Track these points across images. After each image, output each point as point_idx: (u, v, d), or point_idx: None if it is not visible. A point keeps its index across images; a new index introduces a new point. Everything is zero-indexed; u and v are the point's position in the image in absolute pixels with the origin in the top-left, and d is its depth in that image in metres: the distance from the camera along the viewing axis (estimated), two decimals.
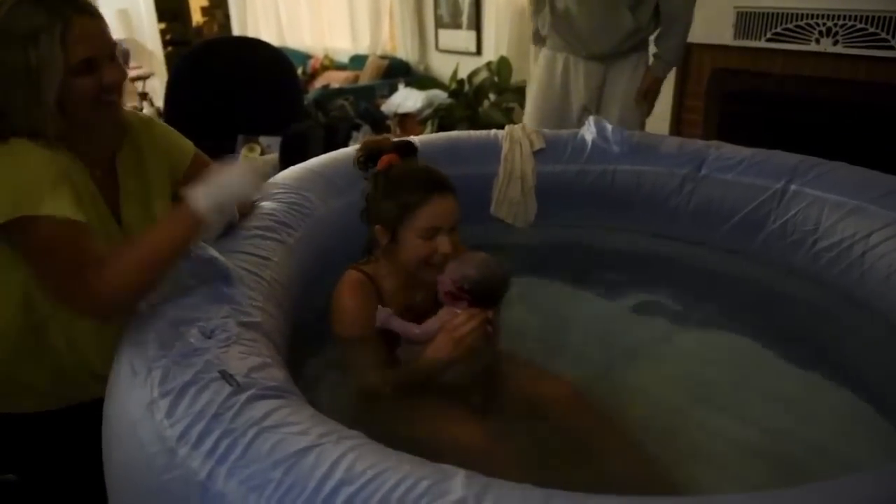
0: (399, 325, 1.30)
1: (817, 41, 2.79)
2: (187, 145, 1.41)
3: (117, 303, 1.07)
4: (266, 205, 1.47)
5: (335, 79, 5.56)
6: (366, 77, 5.41)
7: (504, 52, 4.46)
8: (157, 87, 6.26)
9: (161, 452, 0.83)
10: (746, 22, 2.98)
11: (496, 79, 4.43)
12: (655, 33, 2.51)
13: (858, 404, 1.37)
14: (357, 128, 4.28)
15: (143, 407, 0.89)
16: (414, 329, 1.29)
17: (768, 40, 2.93)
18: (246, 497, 0.76)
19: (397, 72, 5.28)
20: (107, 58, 1.14)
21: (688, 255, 1.91)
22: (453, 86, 4.67)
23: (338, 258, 1.44)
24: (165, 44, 7.33)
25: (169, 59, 6.94)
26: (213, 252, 1.16)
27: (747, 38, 2.99)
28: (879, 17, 2.60)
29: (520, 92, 3.85)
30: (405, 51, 5.40)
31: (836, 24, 2.72)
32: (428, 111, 4.52)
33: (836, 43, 2.73)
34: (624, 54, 2.50)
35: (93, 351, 1.20)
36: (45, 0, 1.07)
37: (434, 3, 5.04)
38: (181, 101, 3.02)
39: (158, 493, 0.83)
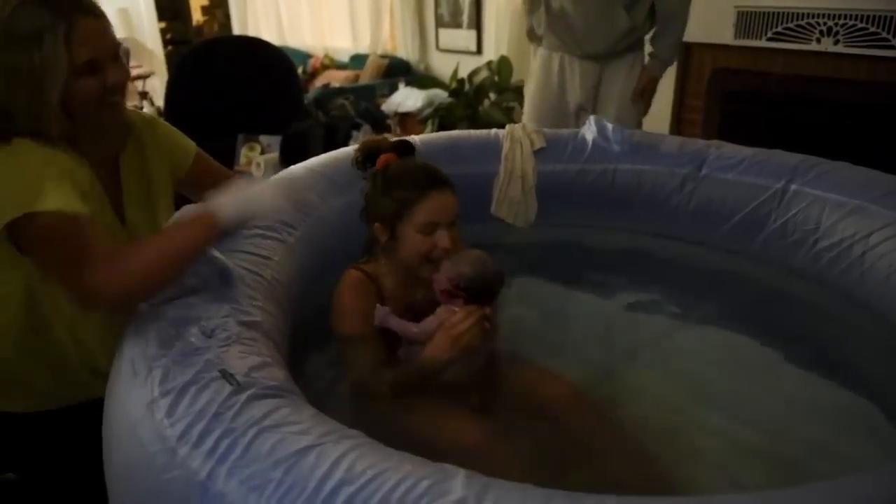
0: (397, 323, 1.30)
1: (818, 41, 2.78)
2: (189, 144, 1.41)
3: (128, 296, 1.06)
4: None
5: (335, 78, 5.56)
6: (366, 76, 5.40)
7: (504, 52, 4.46)
8: (157, 87, 6.26)
9: (161, 452, 0.83)
10: (747, 21, 2.97)
11: (496, 78, 4.43)
12: (651, 32, 2.51)
13: (858, 404, 1.37)
14: (357, 127, 4.27)
15: (143, 406, 0.89)
16: (412, 328, 1.29)
17: (769, 40, 2.93)
18: (246, 497, 0.76)
19: (398, 71, 5.28)
20: (110, 58, 1.14)
21: (688, 255, 1.91)
22: (454, 85, 4.67)
23: (338, 257, 1.44)
24: (166, 43, 7.32)
25: (169, 58, 6.93)
26: (214, 251, 1.16)
27: (748, 38, 2.99)
28: (880, 17, 2.60)
29: (520, 91, 3.84)
30: (405, 50, 5.40)
31: (836, 24, 2.72)
32: (428, 110, 4.52)
33: (836, 42, 2.73)
34: (620, 54, 2.50)
35: (98, 347, 1.20)
36: (49, 0, 1.07)
37: (434, 2, 5.04)
38: (181, 100, 3.02)
39: (158, 493, 0.83)
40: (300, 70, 4.95)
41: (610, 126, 1.94)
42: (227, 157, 2.92)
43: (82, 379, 1.22)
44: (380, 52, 5.63)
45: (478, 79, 4.52)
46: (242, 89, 3.02)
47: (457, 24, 4.91)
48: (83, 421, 1.09)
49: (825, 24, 2.75)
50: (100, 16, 1.13)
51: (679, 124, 3.44)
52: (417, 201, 1.28)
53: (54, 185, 1.05)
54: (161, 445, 0.84)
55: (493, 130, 2.01)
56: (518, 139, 1.95)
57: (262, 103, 3.06)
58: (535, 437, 1.25)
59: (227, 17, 7.49)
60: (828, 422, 1.33)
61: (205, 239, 1.11)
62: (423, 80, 5.00)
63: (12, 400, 1.22)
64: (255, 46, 3.28)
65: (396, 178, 1.33)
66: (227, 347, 0.98)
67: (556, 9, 2.45)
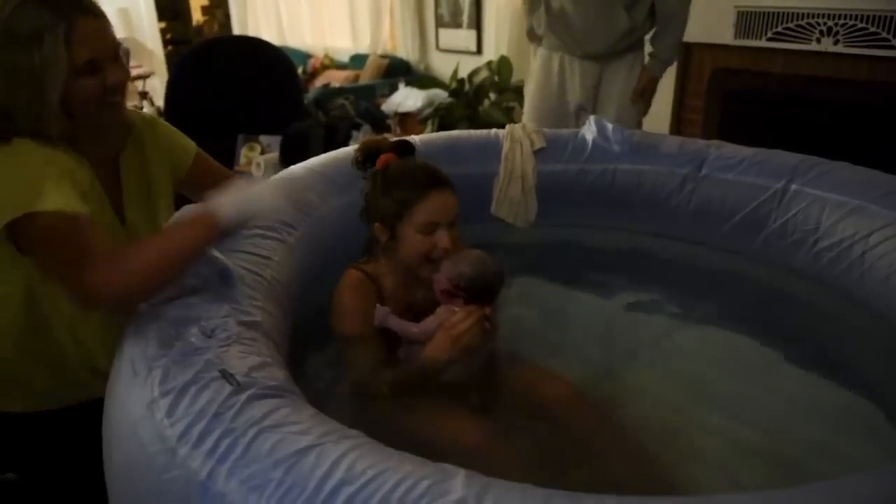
0: (397, 323, 1.30)
1: (818, 41, 2.78)
2: (189, 144, 1.41)
3: (128, 296, 1.06)
4: None
5: (335, 78, 5.56)
6: (366, 76, 5.40)
7: (504, 52, 4.46)
8: (157, 87, 6.26)
9: (161, 452, 0.83)
10: (747, 21, 2.97)
11: (496, 78, 4.43)
12: (651, 32, 2.51)
13: (858, 404, 1.37)
14: (357, 127, 4.27)
15: (143, 406, 0.89)
16: (412, 328, 1.29)
17: (769, 40, 2.93)
18: (246, 497, 0.76)
19: (398, 71, 5.28)
20: (110, 58, 1.14)
21: (688, 255, 1.91)
22: (454, 85, 4.66)
23: (338, 257, 1.44)
24: (166, 43, 7.32)
25: (169, 58, 6.93)
26: (214, 251, 1.16)
27: (748, 38, 2.99)
28: (880, 17, 2.60)
29: (520, 91, 3.84)
30: (405, 50, 5.40)
31: (836, 24, 2.72)
32: (428, 110, 4.52)
33: (836, 42, 2.73)
34: (619, 54, 2.50)
35: (98, 347, 1.20)
36: (49, 0, 1.07)
37: (434, 2, 5.04)
38: (181, 100, 3.02)
39: (159, 493, 0.83)
40: (300, 70, 4.95)
41: (610, 126, 1.94)
42: (228, 157, 2.92)
43: (82, 379, 1.22)
44: (380, 52, 5.63)
45: (478, 79, 4.52)
46: (242, 89, 3.02)
47: (457, 24, 4.91)
48: (83, 421, 1.09)
49: (825, 24, 2.75)
50: (100, 16, 1.13)
51: (679, 124, 3.44)
52: (417, 201, 1.28)
53: (54, 185, 1.05)
54: (161, 445, 0.84)
55: (493, 130, 2.01)
56: (518, 139, 1.95)
57: (262, 103, 3.06)
58: (535, 437, 1.25)
59: (227, 17, 7.49)
60: (828, 422, 1.33)
61: (205, 239, 1.11)
62: (423, 80, 5.00)
63: (12, 400, 1.22)
64: (255, 46, 3.28)
65: (396, 178, 1.33)
66: (227, 347, 0.98)
67: (556, 9, 2.45)
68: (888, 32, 2.59)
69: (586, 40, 2.47)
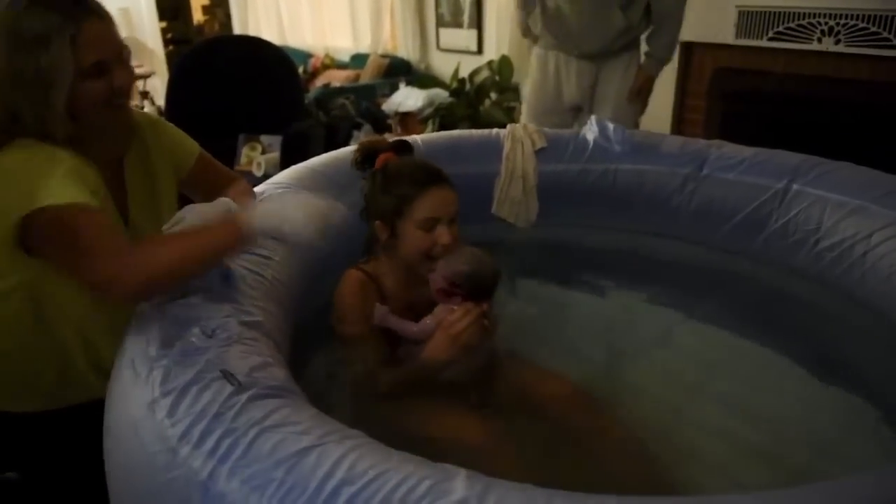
0: (396, 322, 1.30)
1: (819, 40, 2.78)
2: (192, 145, 1.41)
3: (146, 288, 1.06)
4: None
5: (336, 78, 5.56)
6: (367, 76, 5.40)
7: (505, 51, 4.46)
8: (157, 86, 6.26)
9: (162, 452, 0.83)
10: (748, 21, 2.97)
11: (497, 78, 4.43)
12: (647, 32, 2.51)
13: (859, 404, 1.37)
14: (358, 127, 4.28)
15: (144, 406, 0.89)
16: (411, 327, 1.29)
17: (770, 39, 2.92)
18: (247, 497, 0.76)
19: (398, 71, 5.28)
20: (117, 60, 1.14)
21: (689, 255, 1.91)
22: (454, 85, 4.66)
23: (339, 257, 1.44)
24: (166, 42, 7.32)
25: (170, 57, 6.94)
26: None
27: (749, 38, 2.98)
28: (881, 17, 2.59)
29: (521, 91, 3.85)
30: (406, 50, 5.40)
31: (837, 24, 2.71)
32: (429, 110, 4.51)
33: (837, 42, 2.73)
34: (616, 53, 2.51)
35: (104, 346, 1.20)
36: (55, 3, 1.07)
37: (435, 1, 5.04)
38: (182, 100, 3.02)
39: (160, 493, 0.83)
40: (301, 70, 4.94)
41: (611, 126, 1.94)
42: (228, 157, 2.93)
43: (88, 379, 1.22)
44: (380, 51, 5.62)
45: (479, 78, 4.52)
46: (243, 89, 3.02)
47: (457, 24, 4.91)
48: (85, 420, 1.09)
49: (826, 23, 2.74)
50: (106, 18, 1.12)
51: (680, 124, 3.44)
52: (417, 197, 1.28)
53: (64, 181, 1.05)
54: (162, 445, 0.84)
55: (494, 130, 2.01)
56: (519, 139, 1.95)
57: (263, 103, 3.06)
58: (536, 437, 1.25)
59: (228, 16, 7.49)
60: (828, 422, 1.33)
61: (228, 245, 1.11)
62: (423, 79, 4.99)
63: (16, 400, 1.22)
64: (256, 46, 3.28)
65: (396, 175, 1.33)
66: (229, 347, 0.98)
67: (551, 8, 2.46)
68: (889, 32, 2.58)
69: (582, 40, 2.47)
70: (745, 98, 3.13)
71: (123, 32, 1.19)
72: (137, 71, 6.10)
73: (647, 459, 1.22)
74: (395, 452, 0.81)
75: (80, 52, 1.07)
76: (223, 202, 1.31)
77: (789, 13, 2.84)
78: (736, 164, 1.80)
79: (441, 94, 4.62)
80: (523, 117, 2.76)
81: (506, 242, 1.94)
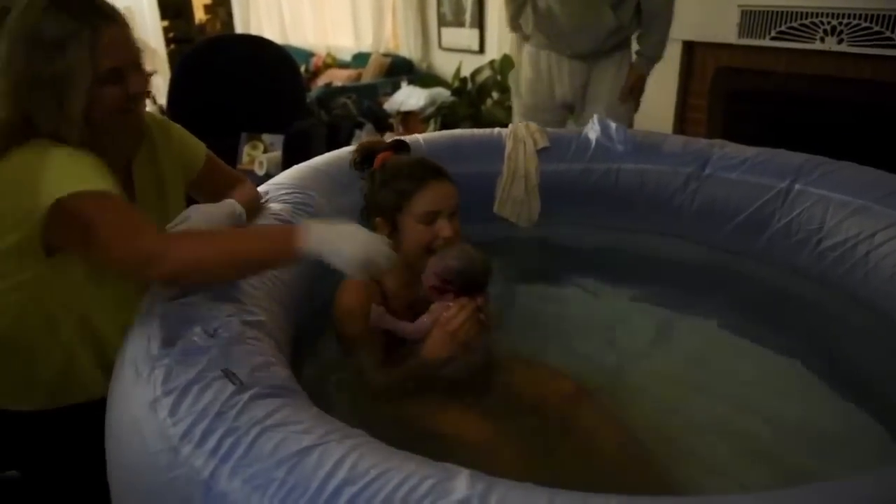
0: (392, 323, 1.30)
1: (822, 40, 2.78)
2: (200, 147, 1.41)
3: (180, 271, 1.05)
4: (271, 205, 1.47)
5: (338, 77, 5.56)
6: (368, 75, 5.40)
7: (507, 51, 4.44)
8: (160, 85, 6.25)
9: (164, 451, 0.83)
10: (751, 20, 2.97)
11: (499, 77, 4.43)
12: (638, 31, 2.52)
13: (861, 404, 1.36)
14: (360, 126, 4.28)
15: (146, 405, 0.89)
16: (408, 326, 1.29)
17: (772, 39, 2.92)
18: (249, 496, 0.76)
19: (400, 70, 5.28)
20: (133, 66, 1.14)
21: (691, 255, 1.91)
22: (456, 84, 4.66)
23: None
24: (168, 41, 7.32)
25: (172, 56, 6.93)
26: None
27: (751, 37, 2.98)
28: (884, 16, 2.59)
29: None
30: (408, 49, 5.40)
31: (840, 23, 2.71)
32: (431, 109, 4.51)
33: (840, 41, 2.72)
34: (607, 53, 2.52)
35: (110, 342, 1.19)
36: (73, 7, 1.06)
37: (437, 1, 5.04)
38: (184, 99, 3.02)
39: (161, 492, 0.83)
40: (302, 69, 4.94)
41: (613, 126, 1.94)
42: (230, 156, 2.93)
43: (92, 377, 1.22)
44: (382, 50, 5.62)
45: (480, 78, 4.51)
46: (245, 88, 3.02)
47: (459, 23, 4.91)
48: (86, 419, 1.09)
49: (829, 23, 2.74)
50: (124, 23, 1.12)
51: (682, 124, 3.43)
52: (417, 191, 1.29)
53: (94, 172, 1.05)
54: (164, 444, 0.84)
55: (496, 129, 2.01)
56: (521, 138, 1.94)
57: (265, 102, 3.06)
58: (538, 436, 1.25)
59: (230, 15, 7.49)
60: (828, 422, 1.32)
61: (278, 257, 1.11)
62: (425, 78, 4.99)
63: (18, 399, 1.22)
64: (258, 45, 3.28)
65: (395, 171, 1.34)
66: (230, 347, 0.98)
67: (542, 9, 2.47)
68: (892, 32, 2.58)
69: (574, 40, 2.48)
70: (748, 98, 3.13)
71: None
72: None
73: (647, 459, 1.22)
74: (397, 452, 0.81)
75: (98, 58, 1.07)
76: (229, 204, 1.31)
77: (792, 13, 2.84)
78: (738, 164, 1.80)
79: (443, 94, 4.62)
80: (515, 114, 2.78)
81: (507, 242, 1.94)
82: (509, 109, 4.24)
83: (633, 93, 2.57)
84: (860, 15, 2.64)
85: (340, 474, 0.75)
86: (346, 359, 1.35)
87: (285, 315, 1.24)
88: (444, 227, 1.29)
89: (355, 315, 1.31)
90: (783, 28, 2.88)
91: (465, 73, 4.66)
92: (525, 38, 2.66)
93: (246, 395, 0.88)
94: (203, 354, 0.95)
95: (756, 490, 0.77)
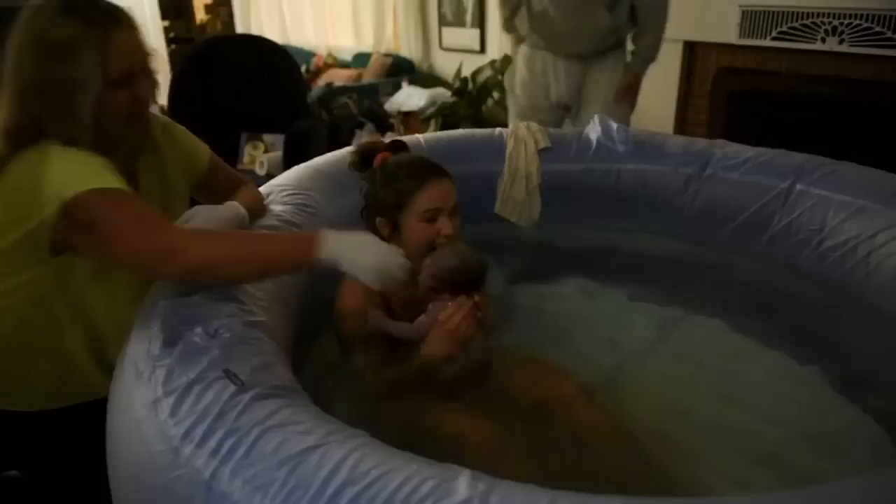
0: (391, 325, 1.30)
1: (823, 40, 2.78)
2: (203, 149, 1.41)
3: (200, 266, 1.05)
4: (273, 206, 1.47)
5: (338, 77, 5.56)
6: (369, 75, 5.40)
7: (508, 51, 4.45)
8: (160, 85, 6.26)
9: (165, 451, 0.83)
10: (752, 21, 2.97)
11: (500, 77, 4.43)
12: (633, 32, 2.52)
13: (862, 405, 1.36)
14: (361, 126, 4.28)
15: (147, 406, 0.89)
16: (407, 328, 1.29)
17: (773, 39, 2.92)
18: (250, 496, 0.76)
19: (401, 70, 5.28)
20: (142, 70, 1.14)
21: (692, 255, 1.91)
22: (457, 84, 4.66)
23: None
24: (169, 41, 7.31)
25: (172, 56, 6.92)
26: None
27: (752, 37, 2.98)
28: (885, 17, 2.59)
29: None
30: (409, 49, 5.39)
31: (841, 23, 2.71)
32: (432, 109, 4.52)
33: (841, 42, 2.73)
34: (602, 54, 2.53)
35: (112, 341, 1.19)
36: (84, 11, 1.06)
37: (438, 1, 5.04)
38: (184, 98, 3.01)
39: (162, 492, 0.83)
40: (303, 69, 4.94)
41: (614, 126, 1.94)
42: (231, 156, 2.93)
43: (93, 377, 1.22)
44: (383, 50, 5.62)
45: (481, 78, 4.52)
46: (245, 88, 3.02)
47: (460, 23, 4.91)
48: (88, 419, 1.09)
49: (830, 23, 2.74)
50: (134, 28, 1.12)
51: (683, 124, 3.43)
52: (417, 189, 1.30)
53: (107, 172, 1.05)
54: (165, 445, 0.84)
55: (497, 129, 2.01)
56: (522, 138, 1.94)
57: (266, 102, 3.06)
58: (538, 436, 1.25)
59: (231, 15, 7.48)
60: (831, 423, 1.32)
61: (296, 262, 1.11)
62: (426, 78, 4.99)
63: (19, 399, 1.22)
64: (259, 45, 3.28)
65: (395, 169, 1.35)
66: (231, 347, 0.98)
67: (538, 10, 2.47)
68: (893, 32, 2.58)
69: (569, 41, 2.49)
70: (749, 98, 3.13)
71: None
72: None
73: (647, 459, 1.22)
74: (398, 452, 0.81)
75: (108, 62, 1.07)
76: (232, 206, 1.31)
77: (793, 13, 2.84)
78: (739, 164, 1.80)
79: (444, 94, 4.62)
80: (510, 114, 2.78)
81: (508, 242, 1.94)
82: None
83: (628, 93, 2.58)
84: (861, 15, 2.64)
85: (342, 475, 0.75)
86: (346, 359, 1.35)
87: (286, 315, 1.24)
88: (445, 225, 1.30)
89: (357, 315, 1.31)
90: (784, 28, 2.88)
91: (466, 73, 4.66)
92: (520, 39, 2.67)
93: (247, 396, 0.88)
94: (204, 355, 0.95)
95: (756, 490, 0.77)
